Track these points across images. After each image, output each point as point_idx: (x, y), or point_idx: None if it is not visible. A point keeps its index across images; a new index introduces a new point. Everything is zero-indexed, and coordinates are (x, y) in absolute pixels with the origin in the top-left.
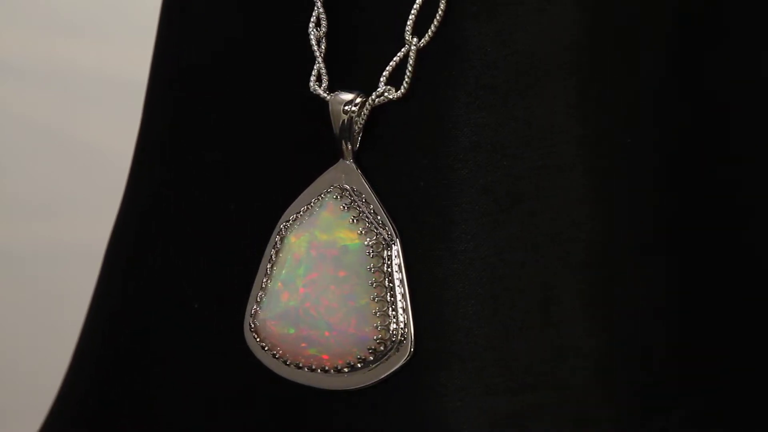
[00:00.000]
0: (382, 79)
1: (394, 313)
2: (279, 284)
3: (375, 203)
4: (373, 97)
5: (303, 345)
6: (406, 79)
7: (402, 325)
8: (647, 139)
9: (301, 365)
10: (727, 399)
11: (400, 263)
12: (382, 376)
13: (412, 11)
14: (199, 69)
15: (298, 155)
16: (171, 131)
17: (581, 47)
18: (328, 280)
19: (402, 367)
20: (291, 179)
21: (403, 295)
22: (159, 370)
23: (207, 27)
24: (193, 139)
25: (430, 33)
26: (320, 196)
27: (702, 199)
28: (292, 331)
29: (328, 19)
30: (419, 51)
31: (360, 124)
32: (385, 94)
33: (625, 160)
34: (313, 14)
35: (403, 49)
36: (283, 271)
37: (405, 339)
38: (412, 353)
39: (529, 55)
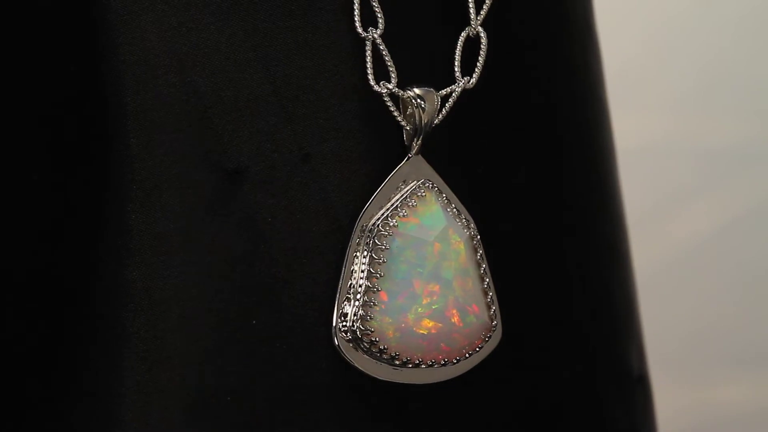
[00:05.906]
0: (456, 71)
1: (495, 300)
2: (399, 284)
3: (452, 195)
4: (458, 89)
5: (438, 340)
6: (479, 66)
7: (493, 311)
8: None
9: (419, 362)
10: None
11: (483, 250)
12: (481, 360)
13: None
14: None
15: (344, 154)
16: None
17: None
18: (455, 272)
19: (493, 350)
20: (343, 179)
21: (491, 282)
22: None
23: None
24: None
25: (481, 15)
26: (417, 191)
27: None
28: (430, 328)
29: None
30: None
31: (440, 118)
32: (464, 86)
33: None
34: (356, 12)
35: (462, 36)
36: (401, 270)
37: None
38: (502, 337)
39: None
